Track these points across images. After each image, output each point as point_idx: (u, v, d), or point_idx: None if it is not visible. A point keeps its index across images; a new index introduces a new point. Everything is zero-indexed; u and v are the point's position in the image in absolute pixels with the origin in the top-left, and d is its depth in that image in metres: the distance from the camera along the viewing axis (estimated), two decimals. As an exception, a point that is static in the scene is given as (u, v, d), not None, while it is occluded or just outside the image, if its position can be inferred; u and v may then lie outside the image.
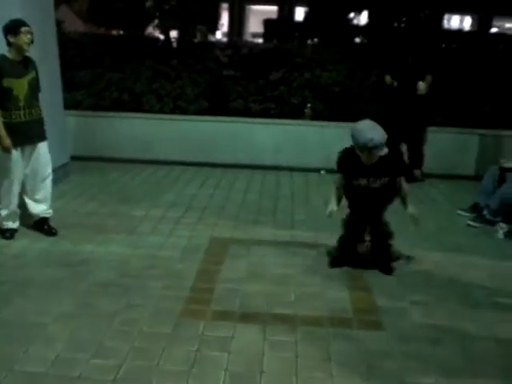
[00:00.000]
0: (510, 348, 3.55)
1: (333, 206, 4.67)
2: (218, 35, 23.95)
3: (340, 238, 4.79)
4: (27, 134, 4.91)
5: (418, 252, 5.07)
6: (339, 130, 7.63)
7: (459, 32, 18.12)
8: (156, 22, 12.83)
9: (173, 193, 6.84)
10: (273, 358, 3.33)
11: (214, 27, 16.92)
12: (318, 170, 7.99)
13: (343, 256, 4.74)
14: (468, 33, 18.48)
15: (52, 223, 5.29)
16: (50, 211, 5.31)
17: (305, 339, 3.55)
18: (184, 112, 8.74)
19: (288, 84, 8.80)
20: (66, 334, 3.50)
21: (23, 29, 4.71)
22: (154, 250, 4.95)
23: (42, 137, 5.08)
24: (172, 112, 8.76)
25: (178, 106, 8.80)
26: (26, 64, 4.90)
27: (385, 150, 4.37)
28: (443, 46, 11.40)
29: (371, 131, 4.37)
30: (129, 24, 12.23)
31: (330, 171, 7.44)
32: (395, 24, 11.16)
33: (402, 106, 7.54)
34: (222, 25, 22.32)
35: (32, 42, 4.80)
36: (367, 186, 4.56)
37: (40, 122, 5.05)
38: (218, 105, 8.81)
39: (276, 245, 5.21)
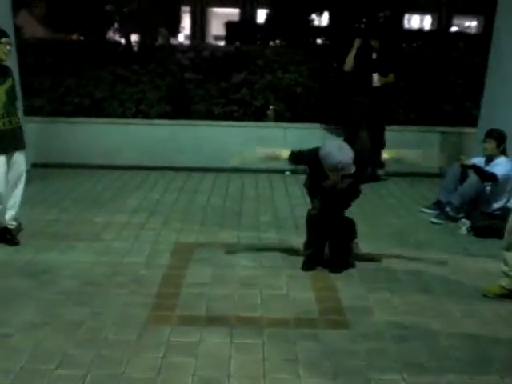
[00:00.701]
0: (475, 343, 3.60)
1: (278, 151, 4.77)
2: (181, 38, 23.88)
3: (306, 241, 4.80)
4: (6, 142, 4.84)
5: (381, 249, 5.12)
6: (302, 130, 7.69)
7: (420, 31, 18.36)
8: (116, 26, 12.73)
9: (137, 198, 6.79)
10: (240, 361, 3.32)
11: (176, 30, 16.85)
12: (282, 171, 8.02)
13: (313, 258, 4.75)
14: (428, 32, 18.71)
15: (14, 233, 5.18)
16: (15, 223, 5.20)
17: (271, 341, 3.55)
18: (146, 116, 8.70)
19: (250, 86, 8.81)
20: (30, 345, 3.43)
21: (3, 40, 4.71)
22: (118, 256, 4.90)
23: (20, 145, 5.04)
24: (134, 116, 8.71)
25: (140, 110, 8.74)
26: (3, 73, 4.86)
27: (353, 169, 4.31)
28: (404, 45, 11.54)
29: (339, 153, 4.27)
30: (89, 29, 12.11)
31: (294, 172, 7.49)
32: (356, 25, 11.23)
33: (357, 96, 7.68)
34: (184, 28, 22.25)
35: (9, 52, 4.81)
36: (334, 187, 4.59)
37: (18, 131, 5.01)
38: (181, 108, 8.78)
39: (241, 247, 5.20)
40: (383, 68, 7.68)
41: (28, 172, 7.02)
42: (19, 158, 5.02)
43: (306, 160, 4.68)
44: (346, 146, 4.40)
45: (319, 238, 4.70)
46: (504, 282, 4.25)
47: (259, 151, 5.00)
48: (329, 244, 4.76)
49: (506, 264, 4.24)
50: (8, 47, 4.78)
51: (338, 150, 4.30)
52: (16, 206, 5.16)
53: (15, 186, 5.09)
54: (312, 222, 4.70)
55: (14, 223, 5.19)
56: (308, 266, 4.69)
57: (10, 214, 5.13)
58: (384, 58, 7.73)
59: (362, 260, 4.85)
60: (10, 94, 4.91)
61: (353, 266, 4.73)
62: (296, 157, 4.70)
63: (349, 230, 4.72)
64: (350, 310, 3.98)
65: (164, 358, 3.33)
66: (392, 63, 7.85)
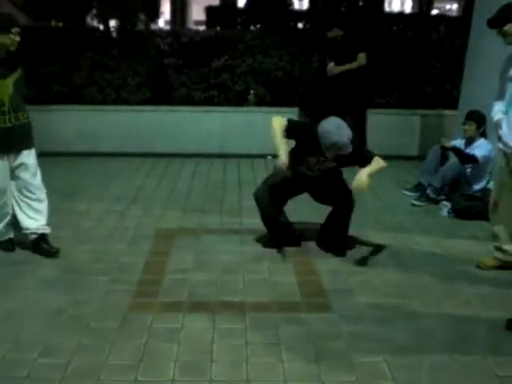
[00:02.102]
0: (456, 323, 3.63)
1: (283, 156, 4.45)
2: (161, 23, 23.67)
3: (261, 215, 4.83)
4: (11, 141, 4.33)
5: (362, 232, 5.14)
6: (283, 114, 7.62)
7: (400, 15, 18.36)
8: (95, 11, 12.60)
9: (118, 185, 6.76)
10: (223, 346, 3.33)
11: (155, 15, 16.72)
12: (264, 156, 8.01)
13: (276, 235, 4.80)
14: (409, 15, 18.72)
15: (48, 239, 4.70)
16: (48, 228, 4.67)
17: (254, 326, 3.56)
18: (127, 102, 8.63)
19: (231, 71, 8.76)
20: (11, 334, 3.41)
21: (14, 29, 4.24)
22: (99, 244, 4.88)
23: (28, 144, 4.49)
24: (114, 103, 8.64)
25: (121, 96, 8.67)
26: (10, 63, 4.34)
27: (350, 149, 4.34)
28: (384, 29, 11.54)
29: (338, 132, 4.28)
30: (67, 15, 11.97)
31: (276, 156, 7.47)
32: (336, 8, 11.23)
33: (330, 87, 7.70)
34: (163, 13, 22.06)
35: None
36: (314, 164, 4.60)
37: (27, 128, 4.48)
38: (161, 94, 8.72)
39: (224, 233, 5.20)
40: (345, 55, 7.64)
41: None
42: (29, 158, 4.46)
43: (301, 134, 4.62)
44: (344, 124, 4.38)
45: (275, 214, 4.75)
46: (498, 254, 4.38)
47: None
48: (325, 221, 4.79)
49: (496, 239, 4.37)
50: (18, 38, 4.26)
51: (336, 129, 4.30)
52: (44, 210, 4.63)
53: (34, 188, 4.54)
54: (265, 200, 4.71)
55: (47, 228, 4.66)
56: (271, 244, 4.78)
57: (41, 220, 4.61)
58: (348, 45, 7.68)
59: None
60: (18, 87, 4.37)
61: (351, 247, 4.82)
62: (291, 128, 4.56)
63: (347, 202, 4.68)
64: (332, 294, 4.00)
65: (146, 344, 3.33)
66: (358, 46, 7.75)
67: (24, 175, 4.47)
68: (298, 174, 4.67)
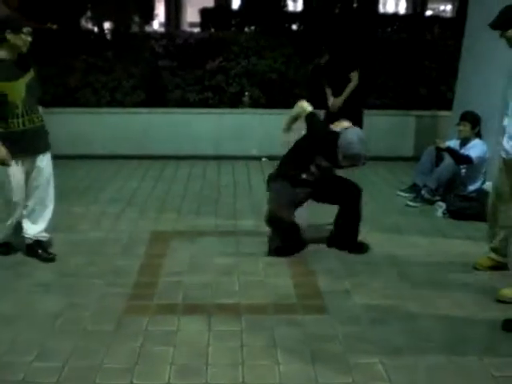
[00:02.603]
0: (451, 324, 3.63)
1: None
2: (156, 26, 23.65)
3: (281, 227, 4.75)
4: (25, 144, 4.22)
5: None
6: (277, 116, 7.62)
7: (394, 16, 18.40)
8: (89, 13, 12.58)
9: (113, 187, 6.75)
10: (218, 349, 3.32)
11: (150, 17, 16.70)
12: (259, 158, 8.01)
13: (290, 244, 4.75)
14: (403, 16, 18.76)
15: (46, 245, 4.67)
16: (47, 234, 4.63)
17: (250, 328, 3.55)
18: (121, 104, 8.62)
19: (225, 73, 8.76)
20: (6, 338, 3.40)
21: (25, 29, 4.13)
22: (94, 246, 4.86)
23: (43, 147, 4.40)
24: (109, 105, 8.62)
25: (115, 98, 8.66)
26: (23, 64, 4.25)
27: (362, 162, 4.48)
28: (379, 30, 11.55)
29: (360, 145, 4.39)
30: (61, 17, 11.93)
31: (271, 158, 7.49)
32: (330, 10, 11.23)
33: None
34: (158, 15, 22.04)
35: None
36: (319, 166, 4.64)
37: (42, 130, 4.39)
38: (156, 96, 8.72)
39: (218, 235, 5.20)
40: (340, 79, 7.44)
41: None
42: (43, 163, 4.38)
43: (320, 132, 4.68)
44: (363, 136, 4.47)
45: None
46: (493, 255, 4.40)
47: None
48: (337, 219, 4.81)
49: (493, 240, 4.40)
50: (29, 39, 4.16)
51: (359, 141, 4.39)
52: (47, 216, 4.54)
53: (45, 193, 4.46)
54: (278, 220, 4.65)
55: (46, 235, 4.61)
56: (283, 252, 4.70)
57: (41, 225, 4.54)
58: (340, 68, 7.45)
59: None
60: (32, 89, 4.27)
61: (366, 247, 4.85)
62: (314, 122, 4.70)
63: (354, 191, 4.74)
64: (328, 295, 3.99)
65: (142, 347, 3.32)
66: (350, 66, 7.44)
67: (38, 180, 4.39)
68: (300, 181, 4.67)
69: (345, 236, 4.81)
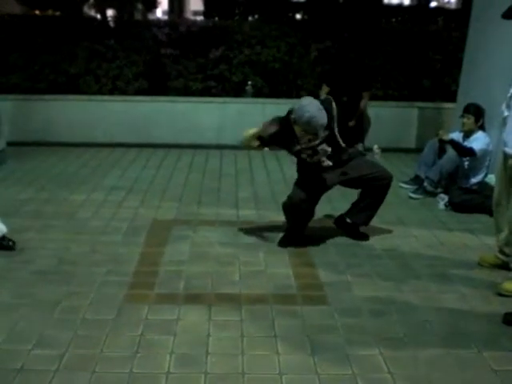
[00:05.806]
0: (450, 317, 3.63)
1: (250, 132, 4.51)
2: (159, 13, 23.55)
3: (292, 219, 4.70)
4: None
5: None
6: (280, 106, 7.59)
7: (399, 7, 18.33)
8: (91, 0, 12.53)
9: (114, 175, 6.73)
10: (218, 339, 3.31)
11: (153, 5, 16.62)
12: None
13: (295, 235, 4.72)
14: (408, 7, 18.69)
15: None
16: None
17: (250, 318, 3.54)
18: (123, 92, 8.60)
19: (228, 61, 8.73)
20: (6, 326, 3.39)
21: None
22: (95, 235, 4.85)
23: None
24: (111, 93, 8.61)
25: (117, 86, 8.64)
26: None
27: (324, 122, 4.26)
28: (383, 21, 11.51)
29: (321, 115, 4.21)
30: (64, 4, 11.90)
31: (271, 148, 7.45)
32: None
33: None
34: (161, 3, 21.92)
35: None
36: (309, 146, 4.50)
37: None
38: (158, 84, 8.69)
39: (220, 224, 5.18)
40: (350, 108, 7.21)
41: (2, 151, 7.00)
42: None
43: (278, 130, 4.47)
44: (321, 106, 4.28)
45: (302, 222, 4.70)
46: (500, 255, 4.35)
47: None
48: (358, 200, 4.80)
49: (499, 236, 4.35)
50: None
51: (319, 112, 4.22)
52: None
53: None
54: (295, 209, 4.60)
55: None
56: (285, 244, 4.69)
57: None
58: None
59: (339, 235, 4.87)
60: None
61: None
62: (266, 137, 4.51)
63: (385, 185, 4.70)
64: (328, 286, 3.98)
65: (142, 336, 3.31)
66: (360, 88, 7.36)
67: None
68: (319, 177, 4.61)
69: (359, 221, 4.80)
